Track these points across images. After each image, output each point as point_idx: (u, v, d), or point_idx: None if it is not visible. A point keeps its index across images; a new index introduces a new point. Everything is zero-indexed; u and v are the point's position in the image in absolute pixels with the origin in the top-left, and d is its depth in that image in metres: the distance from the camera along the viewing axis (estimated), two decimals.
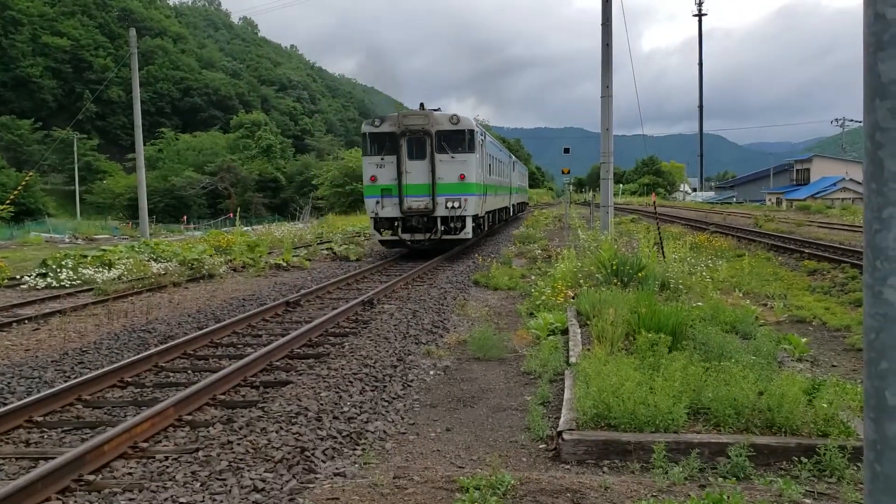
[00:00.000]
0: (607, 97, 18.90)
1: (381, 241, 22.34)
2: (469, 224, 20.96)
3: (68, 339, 10.47)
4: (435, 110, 21.47)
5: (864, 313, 1.57)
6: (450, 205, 20.50)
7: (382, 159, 20.72)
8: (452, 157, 20.51)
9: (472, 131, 21.02)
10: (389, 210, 20.74)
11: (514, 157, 42.51)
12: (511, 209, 38.19)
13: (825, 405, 5.51)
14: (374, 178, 20.84)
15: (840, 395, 5.94)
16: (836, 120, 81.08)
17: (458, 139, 20.77)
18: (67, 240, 36.01)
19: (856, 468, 4.92)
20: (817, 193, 68.56)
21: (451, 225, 20.84)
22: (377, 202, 20.77)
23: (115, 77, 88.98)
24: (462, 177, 20.58)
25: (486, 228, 26.46)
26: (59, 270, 16.94)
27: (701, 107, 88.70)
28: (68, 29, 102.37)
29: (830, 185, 71.00)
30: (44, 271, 17.05)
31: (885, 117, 1.48)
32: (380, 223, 21.26)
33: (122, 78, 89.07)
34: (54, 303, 14.01)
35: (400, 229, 20.91)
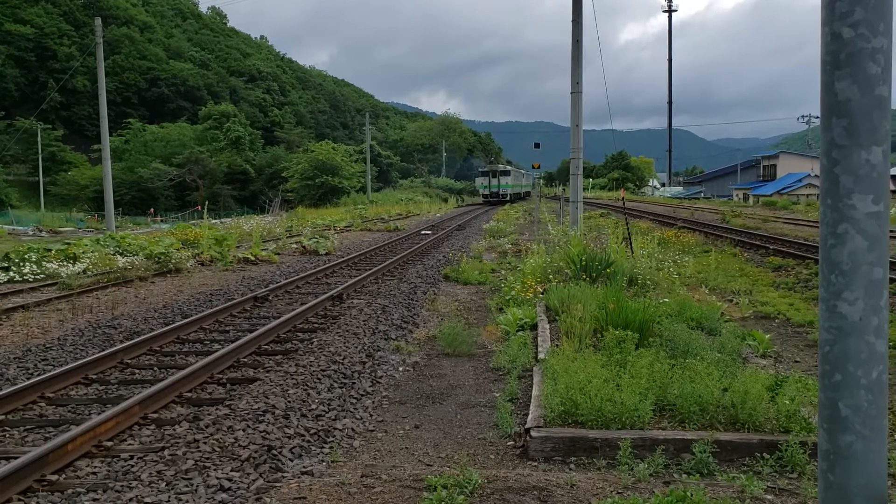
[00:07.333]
0: (577, 93, 18.97)
1: (482, 202, 74.77)
2: (507, 197, 73.79)
3: (31, 335, 10.30)
4: (500, 163, 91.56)
5: (820, 326, 1.59)
6: (503, 192, 73.93)
7: (484, 177, 75.44)
8: (503, 177, 74.72)
9: (508, 170, 77.98)
10: (486, 192, 74.60)
11: (522, 170, 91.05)
12: (521, 194, 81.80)
13: (787, 401, 5.61)
14: (482, 182, 75.69)
15: (802, 392, 6.06)
16: (803, 117, 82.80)
17: (505, 172, 76.14)
18: (31, 232, 35.41)
19: (816, 464, 5.02)
20: (783, 189, 69.46)
21: (502, 197, 73.37)
22: (483, 189, 75.54)
23: (80, 66, 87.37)
24: (506, 183, 74.57)
25: (511, 199, 73.69)
26: (22, 264, 16.64)
27: (670, 103, 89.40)
28: (31, 16, 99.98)
29: (796, 181, 71.95)
30: (6, 265, 16.73)
31: (840, 135, 1.48)
32: (484, 197, 75.33)
33: (87, 67, 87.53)
34: (17, 297, 13.76)
35: (489, 198, 73.96)
